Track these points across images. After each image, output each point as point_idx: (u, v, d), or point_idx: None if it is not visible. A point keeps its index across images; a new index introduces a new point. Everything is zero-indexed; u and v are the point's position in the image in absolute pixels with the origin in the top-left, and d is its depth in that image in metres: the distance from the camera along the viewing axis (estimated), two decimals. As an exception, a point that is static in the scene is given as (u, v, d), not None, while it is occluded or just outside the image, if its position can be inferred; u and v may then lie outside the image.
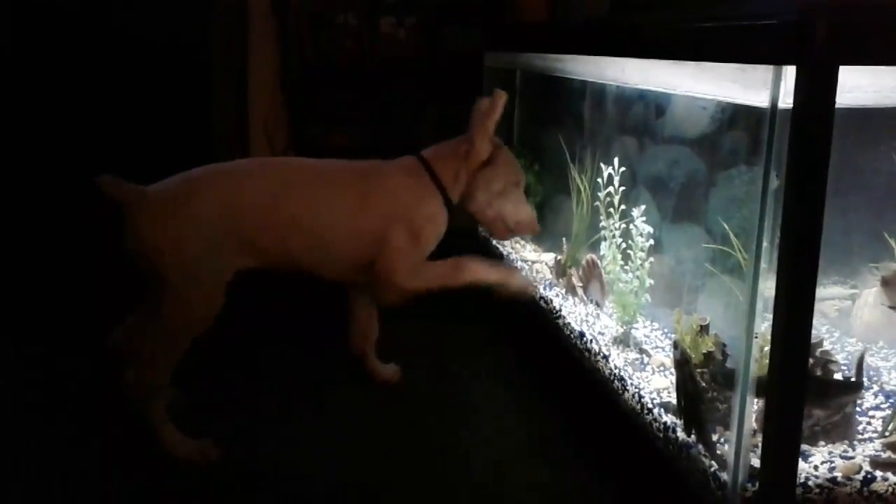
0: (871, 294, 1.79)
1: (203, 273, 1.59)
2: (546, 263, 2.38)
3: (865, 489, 1.28)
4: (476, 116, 1.78)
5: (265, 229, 1.65)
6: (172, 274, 1.56)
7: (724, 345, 1.45)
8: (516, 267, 1.80)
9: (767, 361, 1.17)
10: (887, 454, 1.35)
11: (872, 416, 1.49)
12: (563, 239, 2.21)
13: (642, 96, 1.89)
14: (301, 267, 1.75)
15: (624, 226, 1.82)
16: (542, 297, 2.17)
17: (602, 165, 1.88)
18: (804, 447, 1.35)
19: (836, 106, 1.07)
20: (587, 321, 1.96)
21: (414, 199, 1.76)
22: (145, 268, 1.60)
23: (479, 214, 1.85)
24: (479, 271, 1.77)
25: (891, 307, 1.67)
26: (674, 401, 1.49)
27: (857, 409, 1.47)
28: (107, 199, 1.56)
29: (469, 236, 1.94)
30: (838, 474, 1.30)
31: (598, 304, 1.98)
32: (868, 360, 1.72)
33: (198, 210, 1.59)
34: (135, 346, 1.67)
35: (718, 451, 1.34)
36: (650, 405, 1.54)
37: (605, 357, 1.75)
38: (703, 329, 1.50)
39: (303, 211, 1.69)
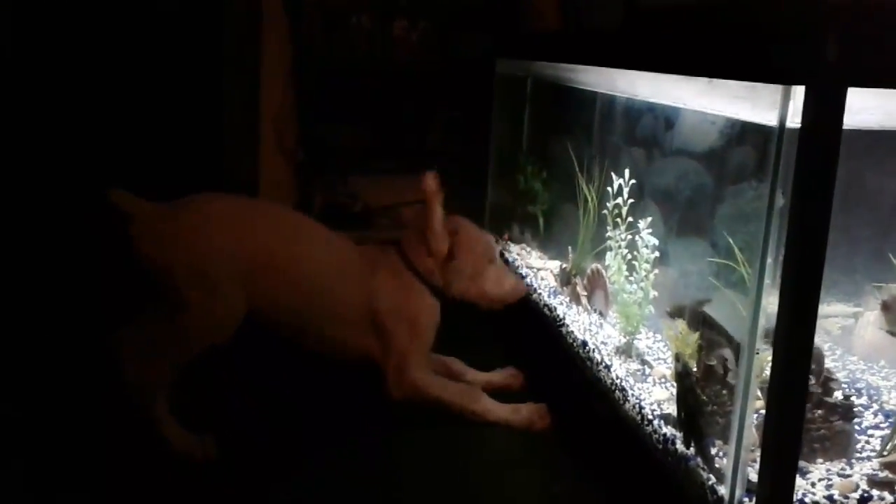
0: (873, 313, 1.80)
1: (222, 290, 1.62)
2: (551, 271, 2.39)
3: (862, 507, 1.29)
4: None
5: (266, 271, 1.67)
6: (186, 290, 1.59)
7: (726, 359, 1.45)
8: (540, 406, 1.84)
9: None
10: (885, 473, 1.36)
11: (871, 435, 1.50)
12: (569, 247, 2.21)
13: (652, 109, 1.90)
14: (289, 330, 1.79)
15: (630, 237, 1.83)
16: (545, 305, 2.18)
17: (612, 175, 1.89)
18: (802, 463, 1.35)
19: (844, 127, 1.08)
20: (590, 330, 1.96)
21: (405, 299, 1.82)
22: (153, 280, 1.62)
23: (464, 297, 1.91)
24: (489, 409, 1.80)
25: (889, 332, 1.68)
26: (674, 413, 1.49)
27: (857, 427, 1.48)
28: (115, 211, 1.60)
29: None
30: (835, 492, 1.31)
31: (601, 314, 1.98)
32: (868, 378, 1.73)
33: (211, 229, 1.63)
34: (135, 347, 1.67)
35: (717, 465, 1.35)
36: (650, 416, 1.55)
37: (608, 367, 1.76)
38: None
39: (305, 269, 1.73)
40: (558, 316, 2.08)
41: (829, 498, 1.29)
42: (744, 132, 1.50)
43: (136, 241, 1.60)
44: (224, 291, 1.63)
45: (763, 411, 1.23)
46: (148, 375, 1.62)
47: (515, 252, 2.58)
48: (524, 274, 2.41)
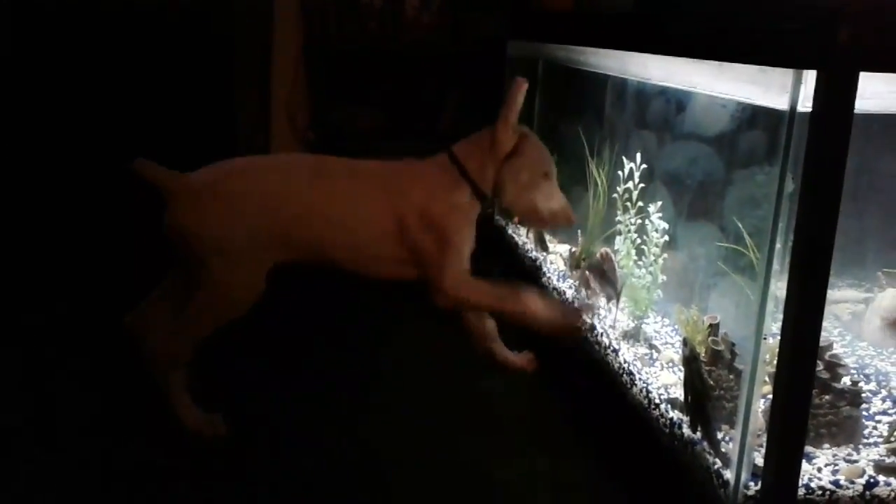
0: (884, 298, 1.79)
1: (241, 260, 1.61)
2: (560, 255, 2.38)
3: (868, 493, 1.29)
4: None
5: (297, 222, 1.65)
6: (210, 259, 1.58)
7: (734, 344, 1.46)
8: (577, 308, 1.80)
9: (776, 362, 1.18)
10: (891, 459, 1.36)
11: (879, 421, 1.50)
12: (579, 231, 2.21)
13: (663, 93, 1.88)
14: (340, 265, 1.74)
15: (639, 221, 1.83)
16: (554, 289, 2.18)
17: (623, 159, 1.88)
18: (808, 448, 1.36)
19: (856, 111, 1.07)
20: (598, 314, 1.96)
21: (433, 191, 1.72)
22: (182, 252, 1.62)
23: (512, 207, 1.81)
24: (535, 305, 1.73)
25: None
26: (681, 397, 1.50)
27: (864, 413, 1.48)
28: (143, 183, 1.58)
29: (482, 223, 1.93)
30: (841, 477, 1.31)
31: (610, 298, 1.98)
32: (878, 364, 1.73)
33: (234, 198, 1.61)
34: (153, 323, 1.69)
35: (723, 449, 1.35)
36: (657, 400, 1.55)
37: (615, 351, 1.76)
38: (713, 328, 1.51)
39: (332, 205, 1.68)
40: (567, 300, 2.08)
41: (835, 483, 1.29)
42: (754, 116, 1.49)
43: (167, 209, 1.60)
44: (247, 264, 1.62)
45: (770, 396, 1.24)
46: (167, 349, 1.62)
47: (525, 236, 2.58)
48: (534, 258, 2.41)
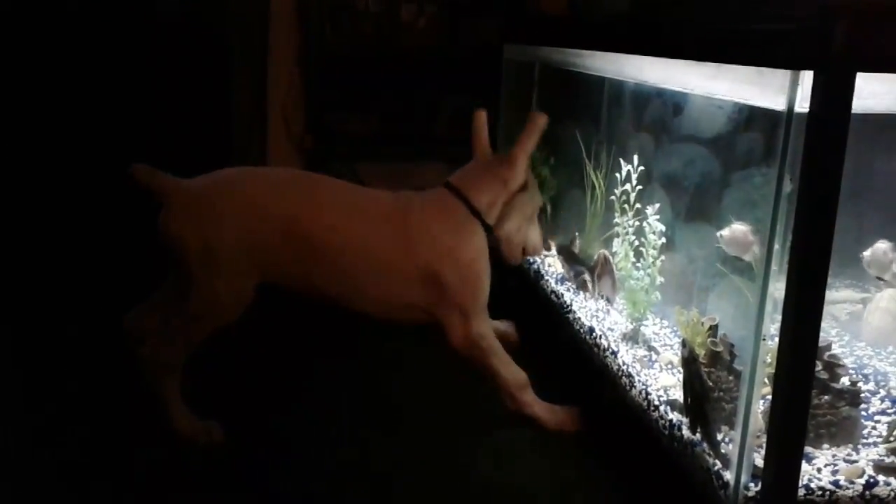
0: (882, 298, 1.80)
1: (226, 270, 1.60)
2: (558, 258, 2.39)
3: (867, 493, 1.29)
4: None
5: (283, 239, 1.61)
6: (197, 267, 1.59)
7: (732, 345, 1.46)
8: (567, 412, 1.76)
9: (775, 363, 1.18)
10: (891, 459, 1.36)
11: (878, 421, 1.50)
12: (577, 234, 2.21)
13: (660, 94, 1.89)
14: (326, 296, 1.69)
15: (637, 223, 1.83)
16: (552, 291, 2.18)
17: (620, 161, 1.89)
18: (808, 449, 1.36)
19: (853, 111, 1.07)
20: (597, 316, 1.97)
21: (457, 241, 1.66)
22: (173, 257, 1.62)
23: (510, 238, 1.76)
24: (529, 402, 1.72)
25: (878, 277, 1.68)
26: (680, 399, 1.50)
27: (863, 413, 1.48)
28: (140, 188, 1.59)
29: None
30: (841, 477, 1.31)
31: (608, 300, 1.99)
32: (876, 364, 1.73)
33: (224, 210, 1.60)
34: (150, 326, 1.71)
35: (722, 450, 1.35)
36: (657, 402, 1.55)
37: (614, 353, 1.77)
38: (713, 329, 1.51)
39: (324, 234, 1.62)
40: (565, 302, 2.08)
41: (835, 483, 1.30)
42: (752, 117, 1.49)
43: (161, 214, 1.60)
44: (231, 275, 1.61)
45: (769, 397, 1.24)
46: (159, 354, 1.62)
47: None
48: (531, 261, 2.41)
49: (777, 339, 1.17)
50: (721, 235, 1.51)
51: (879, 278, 1.67)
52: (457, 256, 1.65)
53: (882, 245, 1.64)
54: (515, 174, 1.71)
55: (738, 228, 1.47)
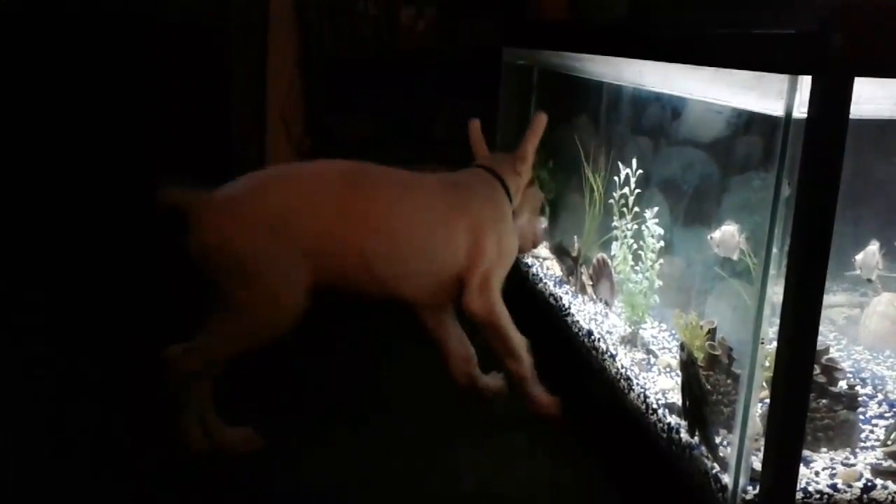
0: (880, 302, 1.80)
1: (271, 283, 1.50)
2: (554, 259, 2.39)
3: (865, 497, 1.29)
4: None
5: (339, 235, 1.55)
6: (237, 283, 1.49)
7: (731, 348, 1.46)
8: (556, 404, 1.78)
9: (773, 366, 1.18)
10: (888, 463, 1.36)
11: (875, 425, 1.50)
12: (575, 237, 2.22)
13: (658, 99, 1.89)
14: (372, 284, 1.62)
15: (636, 226, 1.84)
16: (551, 294, 2.18)
17: (619, 165, 1.89)
18: (806, 452, 1.36)
19: (851, 116, 1.08)
20: (595, 320, 1.97)
21: (499, 211, 1.74)
22: (208, 274, 1.51)
23: (521, 227, 1.86)
24: (529, 377, 1.74)
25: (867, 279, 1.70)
26: (678, 402, 1.50)
27: (861, 417, 1.48)
28: (169, 208, 1.48)
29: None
30: (838, 481, 1.32)
31: (607, 304, 1.99)
32: (874, 368, 1.74)
33: (261, 214, 1.50)
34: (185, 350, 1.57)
35: (721, 454, 1.35)
36: (655, 405, 1.55)
37: (613, 356, 1.77)
38: (711, 332, 1.51)
39: (382, 216, 1.59)
40: (564, 305, 2.09)
41: (833, 487, 1.30)
42: (750, 122, 1.50)
43: (192, 232, 1.49)
44: (275, 286, 1.51)
45: (767, 400, 1.24)
46: (181, 363, 1.53)
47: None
48: (529, 263, 2.42)
49: (775, 343, 1.18)
50: (711, 237, 1.53)
51: (868, 280, 1.68)
52: (497, 225, 1.71)
53: (871, 247, 1.66)
54: (527, 168, 1.83)
55: (727, 230, 1.49)
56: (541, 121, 1.82)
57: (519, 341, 1.73)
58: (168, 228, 1.49)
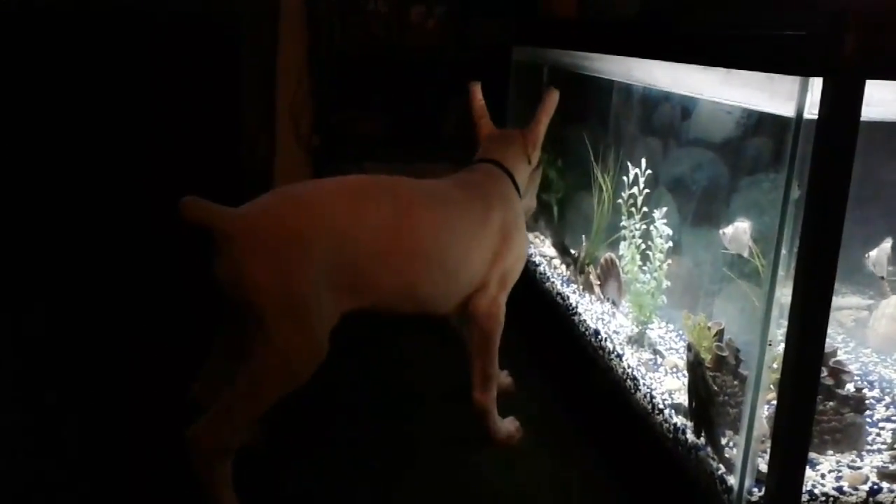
0: (888, 305, 1.80)
1: (308, 314, 1.35)
2: (558, 256, 2.39)
3: (871, 500, 1.29)
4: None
5: (383, 258, 1.45)
6: (272, 314, 1.31)
7: (738, 349, 1.46)
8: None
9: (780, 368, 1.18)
10: (895, 466, 1.36)
11: (882, 428, 1.50)
12: (583, 236, 2.22)
13: (668, 99, 1.89)
14: (412, 305, 1.55)
15: (644, 226, 1.83)
16: (558, 293, 2.18)
17: (628, 165, 1.89)
18: (812, 455, 1.36)
19: (862, 118, 1.08)
20: (603, 319, 1.97)
21: (514, 212, 1.72)
22: (237, 304, 1.34)
23: (527, 210, 1.90)
24: (493, 400, 1.71)
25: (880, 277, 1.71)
26: (685, 402, 1.50)
27: (868, 419, 1.48)
28: (192, 224, 1.32)
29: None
30: (845, 484, 1.31)
31: (614, 303, 1.99)
32: (881, 371, 1.73)
33: (308, 237, 1.36)
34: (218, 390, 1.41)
35: (726, 455, 1.35)
36: (661, 406, 1.55)
37: (619, 356, 1.77)
38: (718, 334, 1.51)
39: (428, 235, 1.52)
40: (571, 305, 2.09)
41: (839, 490, 1.30)
42: (760, 123, 1.49)
43: (220, 254, 1.33)
44: (314, 318, 1.36)
45: (774, 402, 1.24)
46: (214, 435, 1.32)
47: (529, 240, 2.59)
48: (537, 262, 2.42)
49: (783, 345, 1.18)
50: (723, 233, 1.52)
51: (881, 277, 1.69)
52: (514, 230, 1.69)
53: (885, 244, 1.66)
54: (538, 151, 1.83)
55: (738, 226, 1.49)
56: (552, 98, 1.80)
57: (496, 366, 1.70)
58: (175, 228, 1.40)
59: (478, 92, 1.88)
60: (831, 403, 1.42)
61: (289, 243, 1.34)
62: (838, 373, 1.46)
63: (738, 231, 1.49)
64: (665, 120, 1.92)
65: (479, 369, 1.68)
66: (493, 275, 1.65)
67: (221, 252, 1.33)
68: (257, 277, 1.31)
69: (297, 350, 1.34)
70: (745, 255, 1.48)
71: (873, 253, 1.68)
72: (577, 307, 2.06)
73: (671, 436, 1.49)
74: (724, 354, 1.46)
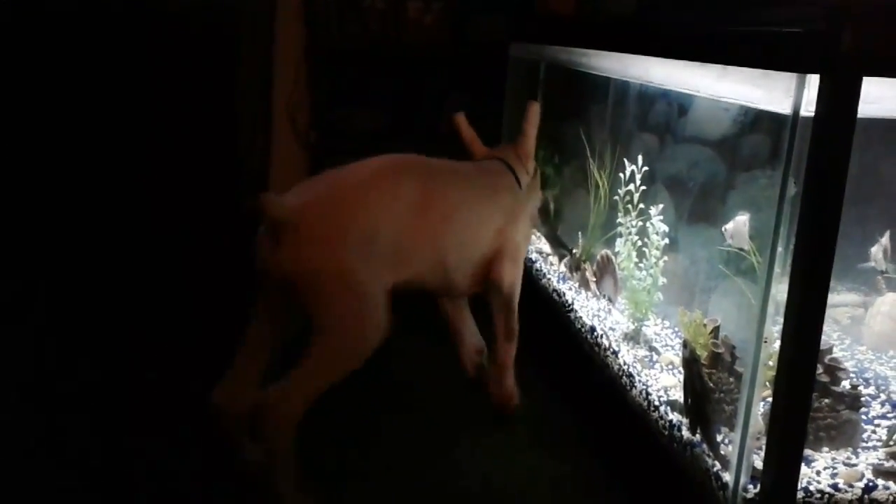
0: (884, 303, 1.80)
1: (372, 293, 1.40)
2: (552, 251, 2.39)
3: (866, 497, 1.29)
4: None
5: (419, 231, 1.51)
6: (338, 301, 1.36)
7: (734, 346, 1.46)
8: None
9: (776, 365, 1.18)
10: (890, 463, 1.36)
11: (878, 425, 1.50)
12: (579, 233, 2.22)
13: (665, 95, 1.89)
14: (439, 276, 1.61)
15: (640, 223, 1.83)
16: (554, 290, 2.18)
17: (625, 161, 1.89)
18: (807, 452, 1.36)
19: (859, 115, 1.07)
20: (599, 316, 1.97)
21: (517, 197, 1.80)
22: (295, 295, 1.37)
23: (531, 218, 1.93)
24: (511, 360, 1.78)
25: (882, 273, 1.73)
26: (680, 399, 1.50)
27: (863, 417, 1.48)
28: (261, 219, 1.36)
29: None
30: (840, 481, 1.32)
31: (610, 300, 1.99)
32: (877, 368, 1.73)
33: (363, 218, 1.41)
34: (242, 394, 1.44)
35: (722, 452, 1.35)
36: (657, 402, 1.55)
37: (615, 353, 1.77)
38: (714, 330, 1.51)
39: (453, 210, 1.59)
40: (567, 301, 2.09)
41: (834, 487, 1.30)
42: (757, 120, 1.49)
43: (281, 245, 1.35)
44: (376, 295, 1.41)
45: (769, 399, 1.24)
46: (283, 409, 1.34)
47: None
48: (533, 259, 2.41)
49: (778, 342, 1.18)
50: (725, 229, 1.52)
51: (882, 272, 1.70)
52: (521, 208, 1.79)
53: (883, 240, 1.67)
54: (532, 161, 1.88)
55: (739, 219, 1.49)
56: (535, 110, 1.86)
57: (517, 321, 1.78)
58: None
59: (463, 122, 1.90)
60: (827, 400, 1.42)
61: (349, 227, 1.39)
62: (834, 370, 1.46)
63: (739, 224, 1.49)
64: (662, 117, 1.92)
65: (503, 323, 1.77)
66: (509, 244, 1.72)
67: (281, 241, 1.35)
68: (325, 262, 1.34)
69: (360, 327, 1.38)
70: (747, 247, 1.48)
71: (875, 248, 1.69)
72: (573, 304, 2.06)
73: (667, 433, 1.49)
74: (719, 351, 1.46)
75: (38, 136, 3.00)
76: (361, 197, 1.44)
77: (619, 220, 1.91)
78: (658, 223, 1.74)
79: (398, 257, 1.48)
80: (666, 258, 1.76)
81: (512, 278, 1.74)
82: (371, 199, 1.45)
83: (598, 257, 2.03)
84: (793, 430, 1.19)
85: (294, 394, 1.36)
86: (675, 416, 1.49)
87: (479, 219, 1.66)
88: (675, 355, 1.73)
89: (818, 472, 1.34)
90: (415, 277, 1.55)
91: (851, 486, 1.30)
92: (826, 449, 1.41)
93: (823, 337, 1.18)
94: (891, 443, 1.42)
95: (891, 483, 1.31)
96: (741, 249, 1.47)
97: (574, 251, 2.25)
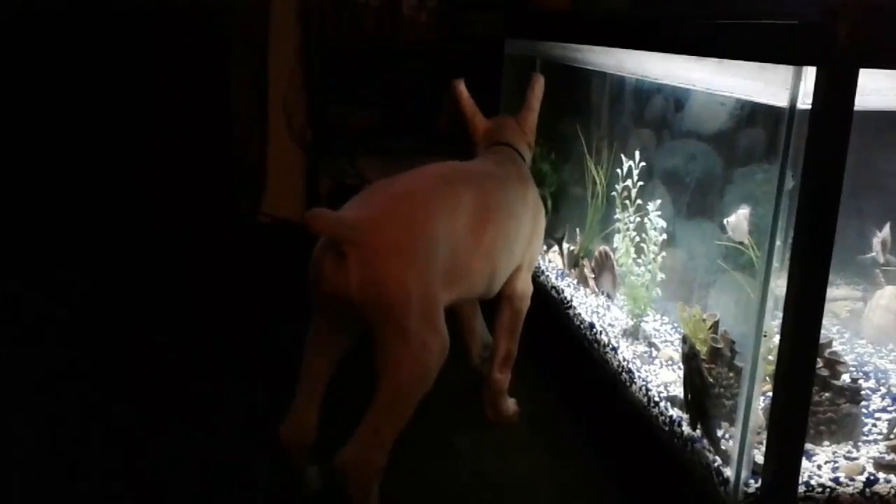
0: (883, 296, 1.79)
1: (439, 311, 1.34)
2: (559, 253, 2.38)
3: (868, 490, 1.29)
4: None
5: (474, 244, 1.47)
6: (411, 315, 1.27)
7: (733, 341, 1.45)
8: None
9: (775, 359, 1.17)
10: (891, 457, 1.36)
11: (878, 418, 1.49)
12: (577, 229, 2.21)
13: (661, 90, 1.88)
14: (486, 287, 1.58)
15: (638, 219, 1.83)
16: (553, 287, 2.18)
17: (622, 157, 1.89)
18: (808, 446, 1.35)
19: (856, 108, 1.07)
20: (597, 312, 1.96)
21: (537, 191, 1.79)
22: (366, 319, 1.30)
23: None
24: (506, 386, 1.77)
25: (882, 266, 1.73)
26: (680, 395, 1.49)
27: (864, 410, 1.48)
28: (318, 234, 1.28)
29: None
30: (841, 474, 1.31)
31: (609, 296, 1.98)
32: (876, 361, 1.73)
33: (430, 233, 1.34)
34: (309, 428, 1.43)
35: (723, 447, 1.35)
36: (657, 398, 1.55)
37: (614, 349, 1.76)
38: (713, 325, 1.51)
39: (505, 219, 1.56)
40: (566, 298, 2.08)
41: (835, 480, 1.29)
42: (754, 113, 1.49)
43: (351, 266, 1.26)
44: (440, 314, 1.35)
45: (770, 394, 1.23)
46: (367, 457, 1.30)
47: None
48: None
49: (778, 336, 1.17)
50: (727, 222, 1.52)
51: (880, 264, 1.70)
52: (539, 205, 1.77)
53: (885, 231, 1.67)
54: (534, 135, 1.87)
55: (740, 213, 1.48)
56: (539, 83, 1.85)
57: (517, 346, 1.78)
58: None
59: (463, 89, 1.85)
60: (827, 394, 1.42)
61: (418, 243, 1.31)
62: (834, 364, 1.46)
63: (740, 217, 1.48)
64: (658, 112, 1.91)
65: (503, 349, 1.75)
66: (529, 254, 1.72)
67: (351, 261, 1.26)
68: (397, 280, 1.26)
69: (432, 349, 1.31)
70: (748, 241, 1.47)
71: (876, 239, 1.70)
72: (571, 300, 2.05)
73: (667, 428, 1.49)
74: (719, 346, 1.46)
75: (35, 136, 2.99)
76: (429, 208, 1.37)
77: (617, 215, 1.91)
78: (656, 218, 1.74)
79: (456, 272, 1.43)
80: (664, 253, 1.75)
81: (528, 286, 1.75)
82: (436, 211, 1.38)
83: (597, 253, 2.03)
84: (793, 424, 1.19)
85: (370, 449, 1.30)
86: (675, 412, 1.49)
87: (518, 224, 1.63)
88: (674, 351, 1.72)
89: (819, 466, 1.34)
90: (469, 292, 1.51)
91: (853, 479, 1.30)
92: (827, 443, 1.40)
93: (823, 331, 1.17)
94: (891, 436, 1.41)
95: (892, 476, 1.31)
96: (740, 243, 1.47)
97: (572, 248, 2.24)
